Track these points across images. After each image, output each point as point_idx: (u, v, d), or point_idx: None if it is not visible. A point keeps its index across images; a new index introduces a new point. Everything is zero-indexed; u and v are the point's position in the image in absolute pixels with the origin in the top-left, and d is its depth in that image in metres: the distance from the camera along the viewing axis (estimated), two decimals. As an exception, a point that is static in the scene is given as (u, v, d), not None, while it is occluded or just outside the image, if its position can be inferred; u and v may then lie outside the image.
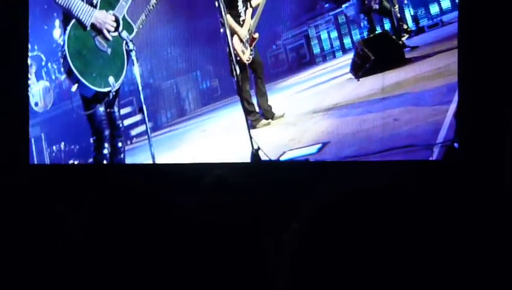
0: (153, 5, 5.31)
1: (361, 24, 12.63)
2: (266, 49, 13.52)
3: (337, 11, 14.02)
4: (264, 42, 6.82)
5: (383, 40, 7.29)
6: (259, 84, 6.75)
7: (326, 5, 14.60)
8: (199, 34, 11.86)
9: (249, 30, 6.60)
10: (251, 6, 6.73)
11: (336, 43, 13.71)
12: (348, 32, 13.45)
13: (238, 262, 1.30)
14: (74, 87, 4.60)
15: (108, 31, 4.64)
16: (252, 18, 6.70)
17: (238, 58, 6.22)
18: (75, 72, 4.44)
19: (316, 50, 13.99)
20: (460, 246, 0.86)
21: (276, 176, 3.86)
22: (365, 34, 9.82)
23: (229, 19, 6.19)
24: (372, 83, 6.33)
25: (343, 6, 13.83)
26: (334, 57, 13.35)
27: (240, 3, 6.62)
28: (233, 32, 6.27)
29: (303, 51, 14.23)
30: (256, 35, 6.69)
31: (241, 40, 6.50)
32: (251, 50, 6.60)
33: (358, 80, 6.91)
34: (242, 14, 6.63)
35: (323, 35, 14.01)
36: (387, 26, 9.24)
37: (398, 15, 8.54)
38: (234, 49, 6.02)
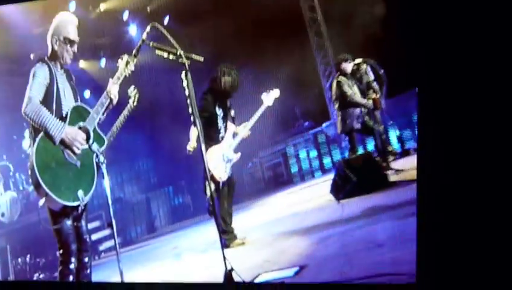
0: (125, 116, 5.15)
1: (342, 144, 12.59)
2: (242, 167, 13.43)
3: (316, 129, 14.08)
4: (240, 159, 6.59)
5: (365, 162, 7.11)
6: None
7: (306, 124, 14.67)
8: (174, 148, 11.73)
9: (227, 148, 6.41)
10: (234, 123, 6.60)
11: (315, 163, 13.64)
12: (328, 152, 13.42)
13: None
14: (41, 202, 4.28)
15: (78, 148, 4.39)
16: (233, 138, 6.54)
17: (211, 175, 6.01)
18: (42, 185, 4.13)
19: (294, 169, 13.92)
20: None
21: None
22: (346, 154, 9.72)
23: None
24: (354, 206, 6.12)
25: (324, 125, 13.91)
26: (313, 177, 13.23)
27: (220, 120, 6.46)
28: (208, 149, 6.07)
29: (280, 169, 14.16)
30: (237, 155, 6.49)
31: (215, 158, 6.29)
32: (227, 168, 6.37)
33: (339, 202, 6.73)
34: (222, 130, 6.46)
35: (302, 154, 13.99)
36: (370, 146, 9.15)
37: (383, 136, 8.42)
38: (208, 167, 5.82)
